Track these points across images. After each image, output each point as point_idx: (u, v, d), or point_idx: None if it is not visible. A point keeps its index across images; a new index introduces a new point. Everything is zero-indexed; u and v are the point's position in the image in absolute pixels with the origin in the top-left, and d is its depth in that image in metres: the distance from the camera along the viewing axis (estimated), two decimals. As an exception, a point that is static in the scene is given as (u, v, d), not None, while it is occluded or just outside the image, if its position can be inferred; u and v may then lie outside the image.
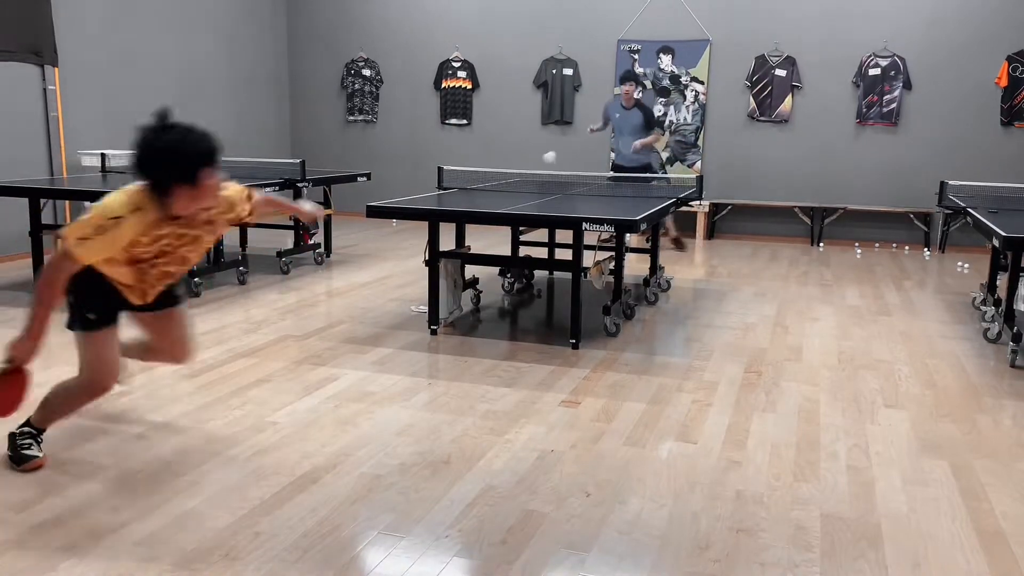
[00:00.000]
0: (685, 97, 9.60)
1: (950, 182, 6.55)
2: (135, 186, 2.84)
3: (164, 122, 2.79)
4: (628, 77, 7.84)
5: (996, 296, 5.68)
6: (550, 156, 4.54)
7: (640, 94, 9.50)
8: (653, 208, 5.10)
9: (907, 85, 8.96)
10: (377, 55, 10.62)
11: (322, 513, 2.78)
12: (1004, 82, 8.70)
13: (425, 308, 5.69)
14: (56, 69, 7.53)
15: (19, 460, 3.07)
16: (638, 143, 7.91)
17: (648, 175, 7.90)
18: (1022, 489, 3.08)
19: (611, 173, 7.92)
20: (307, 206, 3.61)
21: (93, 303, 2.97)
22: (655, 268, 6.47)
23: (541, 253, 7.08)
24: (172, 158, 2.75)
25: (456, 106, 10.38)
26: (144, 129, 2.78)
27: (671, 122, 9.68)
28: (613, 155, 8.15)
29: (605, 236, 5.44)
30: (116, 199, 2.81)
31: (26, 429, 3.13)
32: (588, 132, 8.94)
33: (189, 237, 3.02)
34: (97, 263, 2.88)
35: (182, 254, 3.06)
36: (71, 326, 2.98)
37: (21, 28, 7.17)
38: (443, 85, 10.37)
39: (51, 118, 7.55)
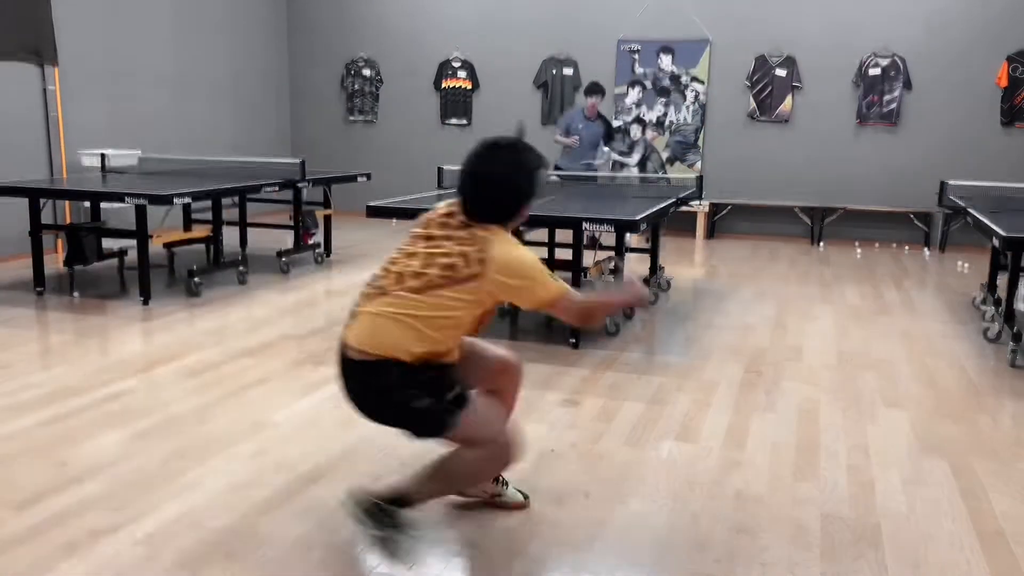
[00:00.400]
0: (685, 97, 9.60)
1: (950, 182, 6.54)
2: (494, 232, 2.43)
3: (512, 143, 2.52)
4: (595, 90, 7.60)
5: (996, 296, 5.68)
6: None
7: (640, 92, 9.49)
8: (653, 208, 5.10)
9: (907, 85, 8.96)
10: (377, 55, 10.62)
11: (322, 513, 2.78)
12: (1004, 82, 8.70)
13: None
14: (56, 69, 7.53)
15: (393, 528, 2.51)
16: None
17: (594, 173, 7.80)
18: (1022, 489, 3.08)
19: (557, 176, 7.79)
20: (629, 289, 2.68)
21: (438, 389, 2.43)
22: (655, 268, 6.47)
23: (541, 253, 7.07)
24: (534, 174, 2.51)
25: (456, 106, 10.38)
26: (500, 156, 2.49)
27: (671, 122, 9.68)
28: (558, 165, 7.77)
29: (593, 239, 5.38)
30: (523, 253, 2.43)
31: (387, 506, 2.49)
32: (560, 143, 7.97)
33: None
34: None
35: None
36: (444, 425, 2.41)
37: (21, 28, 7.17)
38: (443, 85, 10.37)
39: (51, 118, 7.54)
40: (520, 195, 2.48)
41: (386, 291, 2.42)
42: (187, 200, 5.64)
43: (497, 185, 2.45)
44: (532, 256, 2.44)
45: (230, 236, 7.52)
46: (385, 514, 2.47)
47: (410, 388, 2.40)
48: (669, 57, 9.56)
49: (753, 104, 9.42)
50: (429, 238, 2.46)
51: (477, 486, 2.77)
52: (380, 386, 2.41)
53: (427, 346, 2.40)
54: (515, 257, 2.41)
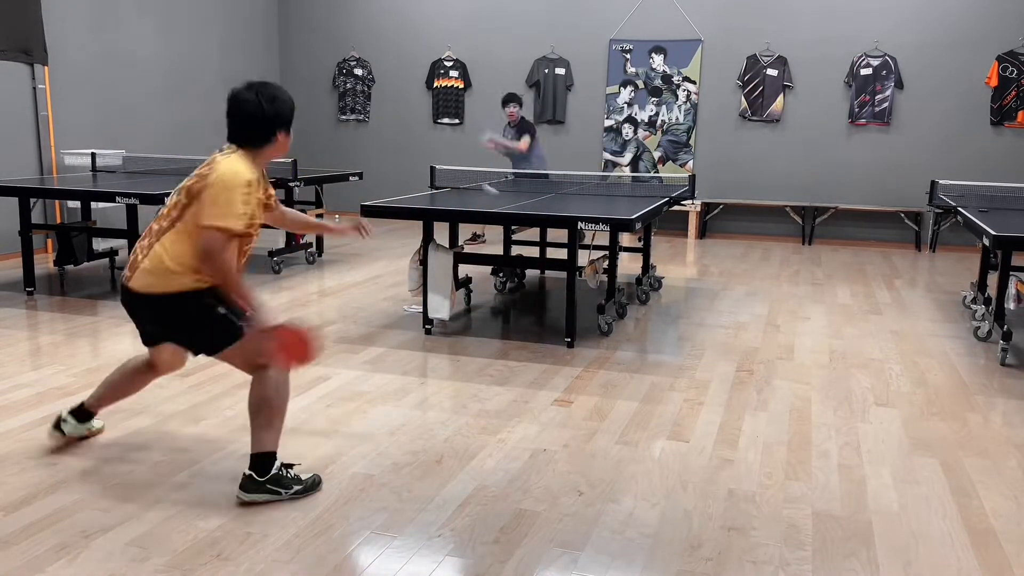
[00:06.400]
0: (677, 97, 9.62)
1: (940, 181, 6.57)
2: (229, 153, 2.86)
3: (253, 83, 2.91)
4: (510, 99, 7.93)
5: (986, 295, 5.70)
6: (490, 190, 4.85)
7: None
8: (647, 207, 5.11)
9: (899, 84, 9.00)
10: (369, 54, 10.61)
11: (314, 513, 2.77)
12: (994, 82, 8.74)
13: (417, 308, 5.68)
14: (46, 68, 7.49)
15: (311, 488, 2.91)
16: (492, 141, 7.93)
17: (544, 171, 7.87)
18: (1012, 487, 3.10)
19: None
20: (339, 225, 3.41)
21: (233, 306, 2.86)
22: (647, 267, 6.48)
23: (532, 252, 7.08)
24: (280, 105, 2.89)
25: (448, 105, 10.37)
26: (241, 89, 2.87)
27: (663, 121, 9.70)
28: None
29: (589, 239, 5.41)
30: (235, 166, 2.78)
31: (268, 472, 2.83)
32: (486, 142, 8.05)
33: (260, 212, 2.95)
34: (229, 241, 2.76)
35: (252, 237, 2.94)
36: (235, 336, 2.81)
37: (11, 27, 7.14)
38: (435, 84, 10.36)
39: (41, 117, 7.51)
40: (266, 121, 2.85)
41: (159, 232, 2.87)
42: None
43: (247, 109, 2.84)
44: (241, 178, 2.76)
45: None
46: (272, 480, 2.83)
47: (220, 298, 2.85)
48: (661, 57, 9.57)
49: (744, 104, 9.44)
50: (184, 187, 2.87)
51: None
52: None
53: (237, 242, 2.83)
54: (217, 178, 2.75)
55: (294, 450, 3.27)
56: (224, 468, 3.10)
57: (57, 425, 3.25)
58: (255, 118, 2.84)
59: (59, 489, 2.90)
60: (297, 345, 2.82)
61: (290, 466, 2.91)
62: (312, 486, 2.91)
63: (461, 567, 2.46)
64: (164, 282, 2.81)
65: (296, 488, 2.86)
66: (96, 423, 3.36)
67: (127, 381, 3.21)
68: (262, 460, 2.81)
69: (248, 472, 2.82)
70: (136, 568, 2.41)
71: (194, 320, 2.84)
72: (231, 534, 2.62)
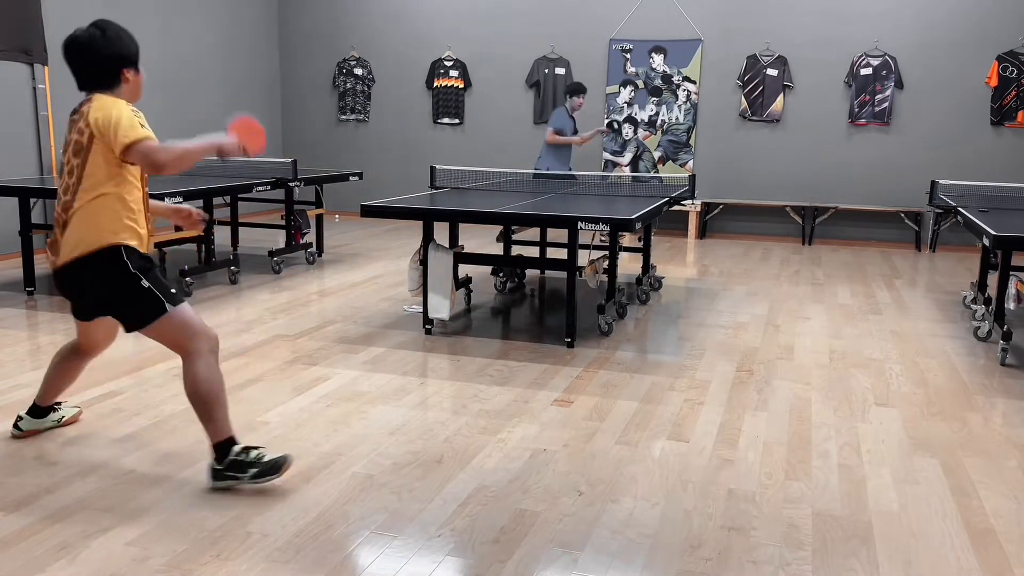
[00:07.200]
0: (677, 97, 9.62)
1: (940, 181, 6.57)
2: (99, 98, 2.90)
3: (83, 27, 3.01)
4: (581, 89, 7.87)
5: (986, 295, 5.70)
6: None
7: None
8: (647, 207, 5.11)
9: (899, 84, 9.00)
10: (369, 54, 10.61)
11: (314, 513, 2.77)
12: (994, 82, 8.74)
13: (417, 308, 5.68)
14: (46, 68, 7.50)
15: (270, 470, 2.91)
16: (586, 137, 7.99)
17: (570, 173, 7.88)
18: (1012, 487, 3.10)
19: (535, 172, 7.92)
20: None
21: (162, 280, 2.94)
22: (647, 267, 6.49)
23: (532, 252, 7.08)
24: (119, 42, 2.99)
25: (448, 105, 10.37)
26: (74, 33, 3.00)
27: (663, 121, 9.70)
28: (549, 166, 7.87)
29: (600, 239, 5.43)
30: (104, 101, 2.87)
31: (226, 457, 2.90)
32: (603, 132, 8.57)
33: None
34: (125, 181, 2.87)
35: None
36: (158, 312, 2.85)
37: (11, 27, 7.14)
38: (435, 84, 10.36)
39: (41, 117, 7.51)
40: (105, 56, 2.93)
41: (68, 203, 2.87)
42: (179, 199, 5.62)
43: (82, 51, 2.94)
44: (127, 112, 2.80)
45: (221, 236, 7.50)
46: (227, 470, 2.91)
47: (146, 271, 2.91)
48: (661, 57, 9.58)
49: (744, 104, 9.44)
50: (66, 146, 2.92)
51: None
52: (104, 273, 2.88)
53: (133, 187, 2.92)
54: (106, 108, 2.80)
55: (294, 449, 3.27)
56: (224, 468, 3.10)
57: (16, 424, 3.37)
58: (97, 57, 2.94)
59: (59, 488, 2.90)
60: (250, 131, 3.22)
61: (249, 449, 2.95)
62: (273, 467, 2.92)
63: (461, 567, 2.47)
64: (89, 237, 2.84)
65: (252, 471, 2.90)
66: (68, 411, 3.49)
67: (62, 372, 3.32)
68: (221, 448, 2.92)
69: (210, 462, 2.94)
70: (136, 568, 2.41)
71: (121, 291, 2.88)
72: (231, 534, 2.62)
